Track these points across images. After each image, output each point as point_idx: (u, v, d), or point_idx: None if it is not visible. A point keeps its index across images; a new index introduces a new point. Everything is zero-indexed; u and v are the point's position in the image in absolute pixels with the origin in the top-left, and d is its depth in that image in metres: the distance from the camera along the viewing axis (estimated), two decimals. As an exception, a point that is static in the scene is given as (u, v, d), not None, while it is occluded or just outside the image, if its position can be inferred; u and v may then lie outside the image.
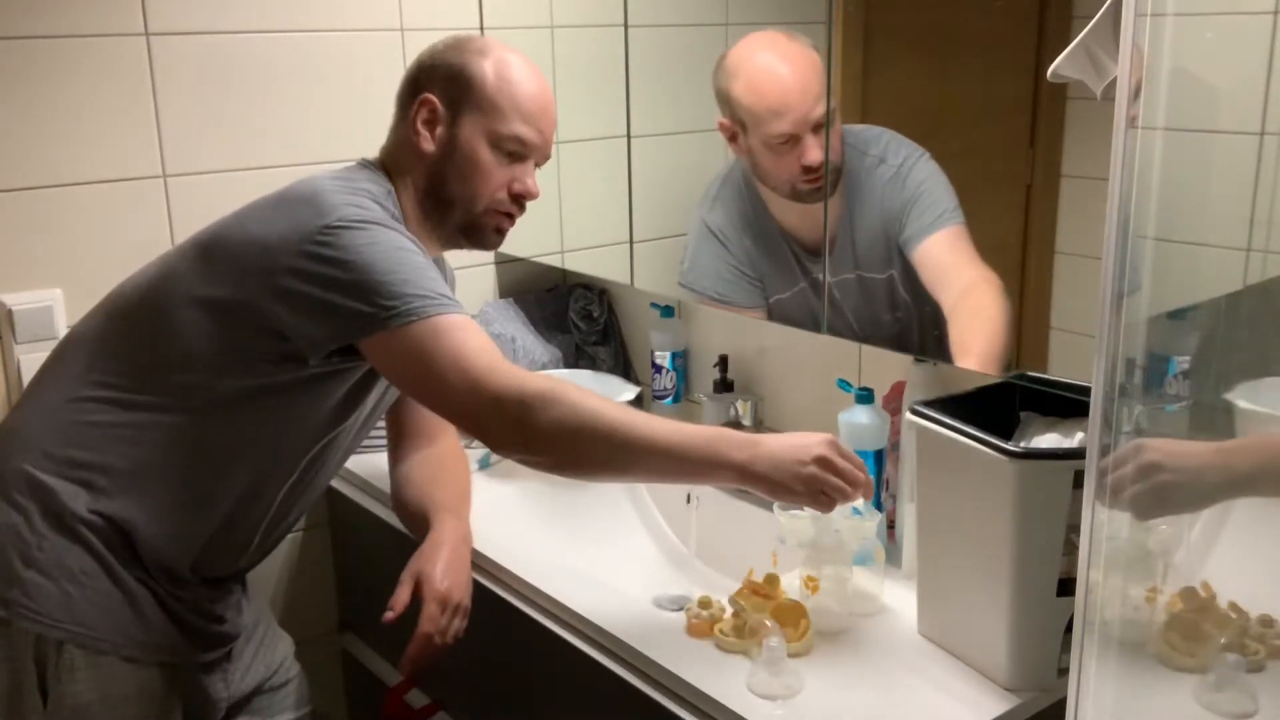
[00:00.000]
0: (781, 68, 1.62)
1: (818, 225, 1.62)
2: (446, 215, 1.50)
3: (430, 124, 1.48)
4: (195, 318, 1.38)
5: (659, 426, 1.31)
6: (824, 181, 1.60)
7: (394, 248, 1.34)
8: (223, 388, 1.39)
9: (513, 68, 1.48)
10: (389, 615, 1.44)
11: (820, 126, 1.57)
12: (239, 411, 1.41)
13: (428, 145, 1.47)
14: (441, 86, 1.48)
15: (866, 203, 1.56)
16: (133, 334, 1.42)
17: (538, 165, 1.53)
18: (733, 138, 1.67)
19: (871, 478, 1.34)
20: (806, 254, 1.66)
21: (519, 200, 1.50)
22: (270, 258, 1.34)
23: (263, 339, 1.37)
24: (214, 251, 1.40)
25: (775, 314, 1.74)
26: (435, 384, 1.32)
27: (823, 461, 1.28)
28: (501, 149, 1.47)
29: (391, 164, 1.52)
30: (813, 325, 1.64)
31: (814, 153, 1.57)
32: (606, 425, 1.29)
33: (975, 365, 1.42)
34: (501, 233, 1.53)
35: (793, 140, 1.60)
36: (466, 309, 1.37)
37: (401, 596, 1.46)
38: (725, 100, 1.66)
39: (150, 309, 1.42)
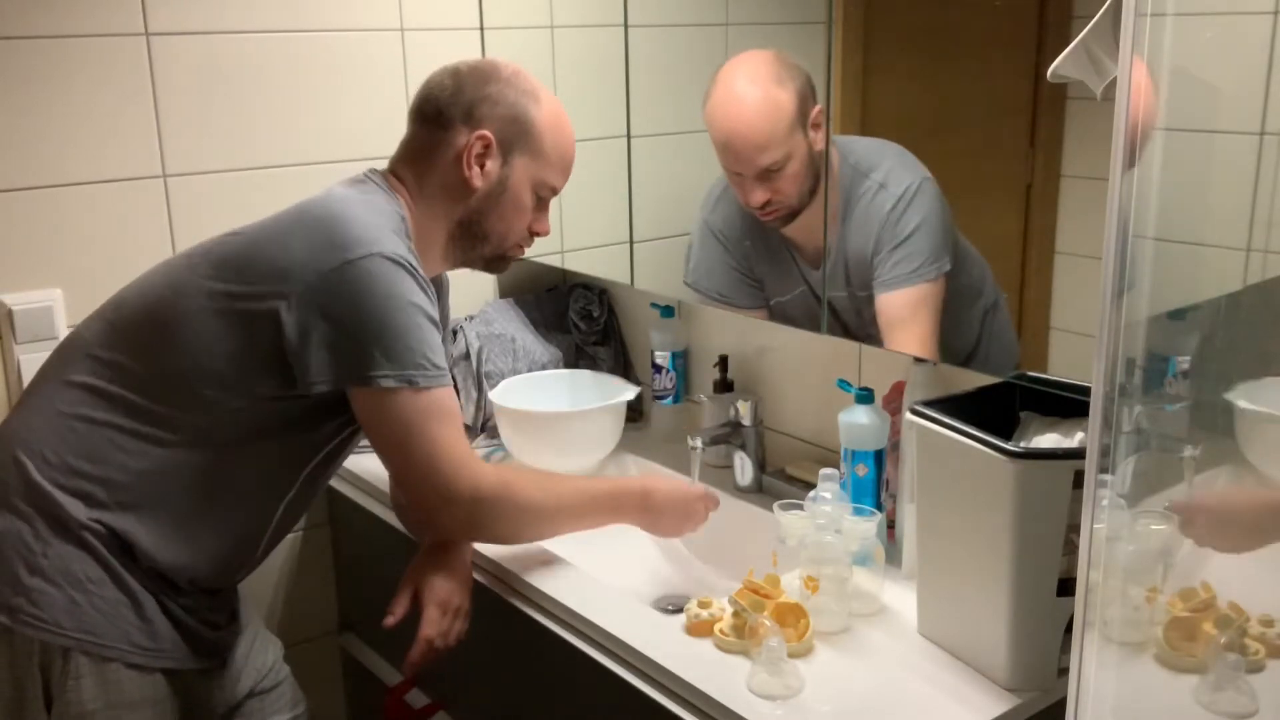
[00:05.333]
0: (734, 108, 1.61)
1: (812, 237, 1.61)
2: (476, 246, 1.55)
3: (482, 159, 1.49)
4: (204, 335, 1.38)
5: (574, 499, 1.51)
6: (779, 214, 1.60)
7: (408, 302, 1.36)
8: (226, 405, 1.39)
9: (563, 117, 1.55)
10: (389, 620, 1.44)
11: (767, 174, 1.57)
12: (242, 430, 1.40)
13: (477, 181, 1.49)
14: (499, 125, 1.49)
15: (863, 229, 1.54)
16: (136, 346, 1.41)
17: None
18: None
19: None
20: (806, 261, 1.65)
21: (533, 237, 1.59)
22: (286, 282, 1.35)
23: (267, 360, 1.37)
24: (226, 270, 1.40)
25: (776, 314, 1.73)
26: (402, 462, 1.42)
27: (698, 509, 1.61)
28: (537, 194, 1.54)
29: (411, 181, 1.51)
30: (813, 326, 1.64)
31: (754, 195, 1.59)
32: (538, 517, 1.48)
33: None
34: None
35: (737, 175, 1.60)
36: (449, 377, 1.42)
37: (401, 601, 1.46)
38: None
39: (156, 322, 1.41)
